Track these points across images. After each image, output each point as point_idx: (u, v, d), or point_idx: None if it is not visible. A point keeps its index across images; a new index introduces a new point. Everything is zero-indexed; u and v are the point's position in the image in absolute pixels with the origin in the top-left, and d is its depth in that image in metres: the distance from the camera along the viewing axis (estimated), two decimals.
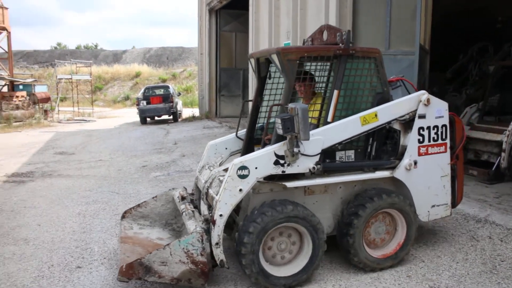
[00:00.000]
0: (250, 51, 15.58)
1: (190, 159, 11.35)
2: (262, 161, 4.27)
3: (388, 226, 4.85)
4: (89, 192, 8.43)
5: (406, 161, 4.76)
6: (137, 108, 22.87)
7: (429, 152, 4.89)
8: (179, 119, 23.55)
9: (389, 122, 4.77)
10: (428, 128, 4.86)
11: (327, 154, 4.67)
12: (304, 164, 4.36)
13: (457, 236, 5.60)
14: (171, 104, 22.35)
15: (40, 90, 29.59)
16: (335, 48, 4.66)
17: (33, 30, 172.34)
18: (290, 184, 4.41)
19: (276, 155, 4.28)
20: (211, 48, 22.41)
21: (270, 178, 4.42)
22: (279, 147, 4.28)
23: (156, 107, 22.32)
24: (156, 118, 23.71)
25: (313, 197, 4.72)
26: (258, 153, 4.36)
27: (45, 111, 27.12)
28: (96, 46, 70.23)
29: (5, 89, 26.78)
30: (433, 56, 9.25)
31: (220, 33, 22.46)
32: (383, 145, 4.99)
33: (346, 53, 4.64)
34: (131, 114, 27.98)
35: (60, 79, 30.71)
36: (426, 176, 4.91)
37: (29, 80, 29.44)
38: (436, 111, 4.88)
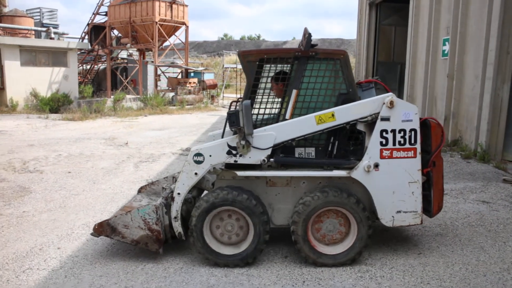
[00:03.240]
0: (409, 45, 15.52)
1: None
2: (216, 150, 4.73)
3: (341, 225, 4.88)
4: None
5: (365, 162, 4.73)
6: None
7: (393, 156, 4.73)
8: None
9: (348, 123, 4.75)
10: (393, 131, 4.71)
11: (286, 149, 4.90)
12: (255, 156, 4.71)
13: None
14: None
15: (208, 77, 32.71)
16: (295, 50, 4.86)
17: (204, 23, 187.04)
18: (240, 173, 4.80)
19: (229, 146, 4.71)
20: (369, 41, 22.47)
21: (230, 167, 4.87)
22: (232, 139, 4.74)
23: None
24: None
25: (275, 189, 5.01)
26: (213, 142, 4.89)
27: (212, 96, 29.98)
28: (258, 37, 74.13)
29: (180, 76, 30.18)
30: None
31: (379, 26, 22.41)
32: (348, 145, 4.98)
33: (305, 54, 4.82)
34: None
35: (226, 68, 33.49)
36: (390, 180, 4.77)
37: (200, 69, 32.66)
38: (403, 114, 4.71)
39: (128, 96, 27.29)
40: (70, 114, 20.86)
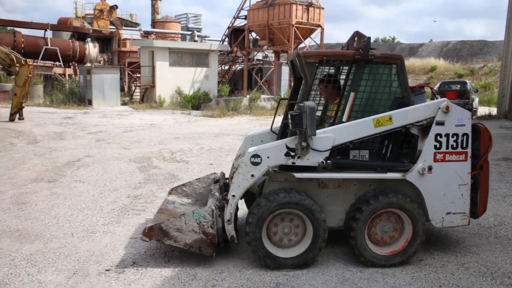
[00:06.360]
0: None
1: None
2: (274, 151, 4.64)
3: (395, 224, 4.91)
4: None
5: (419, 165, 4.76)
6: None
7: (446, 159, 4.82)
8: (474, 117, 22.69)
9: (404, 126, 4.80)
10: (447, 135, 4.79)
11: (341, 151, 4.84)
12: (314, 158, 4.62)
13: None
14: (467, 100, 21.68)
15: None
16: (354, 53, 4.85)
17: (337, 24, 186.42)
18: (298, 175, 4.69)
19: (288, 148, 4.61)
20: None
21: (286, 169, 4.70)
22: (291, 141, 4.59)
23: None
24: None
25: (326, 191, 4.97)
26: (271, 144, 4.74)
27: None
28: (393, 39, 71.72)
29: None
30: None
31: None
32: (401, 148, 5.01)
33: (365, 58, 4.81)
34: None
35: None
36: (442, 182, 4.84)
37: None
38: (456, 119, 4.79)
39: (262, 96, 28.38)
40: (209, 111, 22.40)
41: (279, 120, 6.06)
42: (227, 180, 6.01)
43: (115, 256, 5.09)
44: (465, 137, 4.84)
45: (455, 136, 4.82)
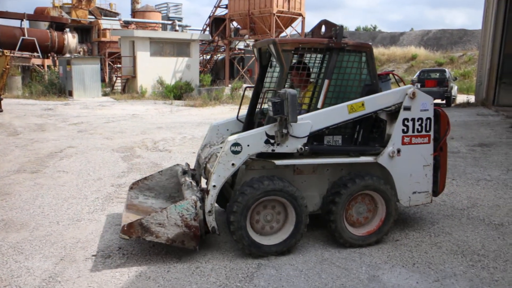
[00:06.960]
0: None
1: (458, 142, 11.57)
2: (254, 139, 4.67)
3: (369, 205, 5.17)
4: None
5: (389, 148, 5.05)
6: None
7: (412, 142, 5.15)
8: (452, 104, 23.11)
9: (375, 112, 5.05)
10: (413, 119, 5.10)
11: (316, 137, 4.99)
12: (292, 145, 4.73)
13: None
14: (446, 88, 22.05)
15: None
16: (328, 41, 5.00)
17: (319, 13, 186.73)
18: (278, 162, 4.76)
19: (267, 135, 4.67)
20: (496, 32, 21.02)
21: (262, 156, 4.80)
22: (270, 128, 4.68)
23: (430, 90, 22.33)
24: None
25: (301, 177, 5.11)
26: (251, 132, 4.77)
27: None
28: (374, 28, 72.16)
29: None
30: None
31: (509, 16, 20.87)
32: (370, 133, 5.27)
33: (338, 46, 4.99)
34: None
35: None
36: (408, 164, 5.17)
37: None
38: (421, 104, 5.10)
39: (244, 85, 28.44)
40: (191, 101, 22.43)
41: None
42: (194, 172, 6.00)
43: (100, 242, 5.20)
44: (428, 121, 5.18)
45: (420, 120, 5.14)
